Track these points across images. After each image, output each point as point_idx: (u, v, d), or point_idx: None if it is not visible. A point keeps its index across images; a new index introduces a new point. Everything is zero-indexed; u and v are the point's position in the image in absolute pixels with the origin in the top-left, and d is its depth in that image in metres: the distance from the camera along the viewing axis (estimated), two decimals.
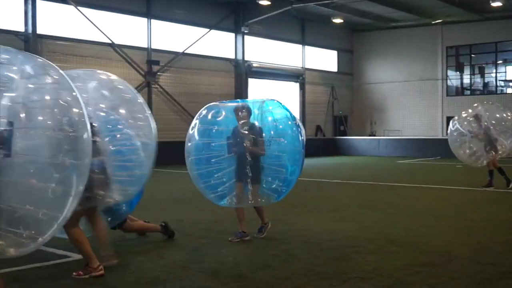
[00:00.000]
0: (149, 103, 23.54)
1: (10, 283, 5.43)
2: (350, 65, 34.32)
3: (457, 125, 13.58)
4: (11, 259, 6.30)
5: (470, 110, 13.71)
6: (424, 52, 31.62)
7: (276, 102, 7.36)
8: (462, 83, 32.17)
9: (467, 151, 13.46)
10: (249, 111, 7.09)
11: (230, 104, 7.50)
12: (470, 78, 31.88)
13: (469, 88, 31.92)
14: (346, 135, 32.02)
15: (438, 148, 27.68)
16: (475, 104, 13.94)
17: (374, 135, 32.04)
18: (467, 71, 31.87)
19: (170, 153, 22.64)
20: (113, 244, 7.15)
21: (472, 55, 31.46)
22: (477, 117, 13.23)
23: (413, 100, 31.93)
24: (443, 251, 6.67)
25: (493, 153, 12.97)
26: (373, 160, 25.51)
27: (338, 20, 28.88)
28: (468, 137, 13.35)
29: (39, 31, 19.93)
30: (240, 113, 7.07)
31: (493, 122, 13.23)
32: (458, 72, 32.10)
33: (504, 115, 13.47)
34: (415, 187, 14.36)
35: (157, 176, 17.48)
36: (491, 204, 11.11)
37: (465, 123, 13.46)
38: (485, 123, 13.11)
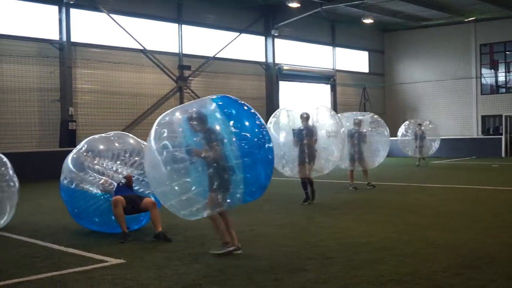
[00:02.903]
0: None
1: (50, 287, 5.55)
2: (381, 65, 34.02)
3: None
4: (50, 263, 6.43)
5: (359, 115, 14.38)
6: (457, 51, 31.15)
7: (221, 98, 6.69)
8: (497, 81, 31.56)
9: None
10: (197, 120, 6.47)
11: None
12: (505, 76, 31.25)
13: (504, 86, 31.31)
14: None
15: (473, 147, 27.24)
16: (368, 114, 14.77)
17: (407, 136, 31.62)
18: (501, 68, 31.25)
19: None
20: (147, 248, 7.23)
21: (507, 52, 30.84)
22: (358, 122, 13.70)
23: (447, 99, 31.46)
24: (483, 253, 6.54)
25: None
26: (407, 161, 25.18)
27: (368, 21, 28.63)
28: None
29: (73, 39, 20.30)
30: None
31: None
32: (492, 70, 31.51)
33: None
34: (451, 187, 14.14)
35: None
36: None
37: (347, 123, 13.76)
38: (364, 131, 13.69)
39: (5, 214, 8.81)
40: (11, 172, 8.97)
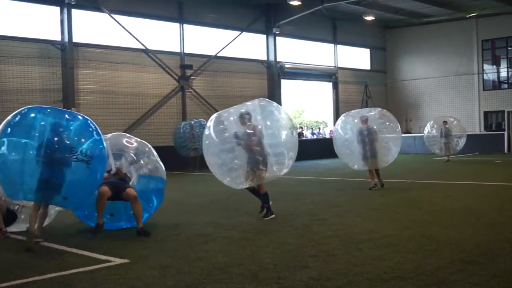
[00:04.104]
0: (183, 107, 23.77)
1: None
2: (383, 62, 33.99)
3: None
4: (54, 264, 6.45)
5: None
6: (459, 47, 31.09)
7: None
8: (499, 77, 31.51)
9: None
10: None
11: None
12: (507, 71, 31.20)
13: (506, 81, 31.25)
14: None
15: (476, 143, 27.18)
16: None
17: (410, 133, 31.64)
18: (503, 64, 31.19)
19: None
20: (151, 248, 7.26)
21: (509, 48, 30.78)
22: (365, 119, 13.13)
23: (449, 95, 31.41)
24: (485, 249, 6.55)
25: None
26: (409, 158, 25.20)
27: (369, 18, 28.62)
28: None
29: (75, 39, 20.34)
30: None
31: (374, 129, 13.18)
32: (494, 66, 31.46)
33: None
34: (453, 184, 14.13)
35: (193, 179, 17.71)
36: None
37: (356, 120, 13.32)
38: (372, 128, 13.10)
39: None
40: None
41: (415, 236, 7.39)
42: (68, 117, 7.66)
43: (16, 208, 8.73)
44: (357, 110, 14.55)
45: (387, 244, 6.96)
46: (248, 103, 9.39)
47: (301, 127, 31.66)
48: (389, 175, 15.69)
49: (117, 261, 6.55)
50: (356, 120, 13.34)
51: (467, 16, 29.45)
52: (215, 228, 8.59)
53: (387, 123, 13.55)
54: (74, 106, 19.98)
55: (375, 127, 13.19)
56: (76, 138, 7.46)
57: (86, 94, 20.78)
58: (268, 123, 9.26)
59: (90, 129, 7.68)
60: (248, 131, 9.10)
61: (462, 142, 22.70)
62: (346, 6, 27.25)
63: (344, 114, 14.14)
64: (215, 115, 9.37)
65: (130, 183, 8.64)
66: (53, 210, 8.94)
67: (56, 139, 7.31)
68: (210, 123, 9.21)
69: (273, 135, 9.22)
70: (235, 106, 9.40)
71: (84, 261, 6.59)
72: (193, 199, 12.58)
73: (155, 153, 9.15)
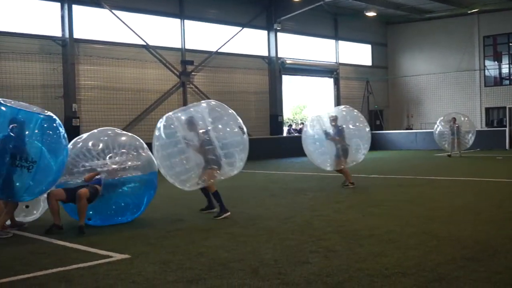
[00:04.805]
0: (184, 102, 23.76)
1: (56, 283, 5.56)
2: (384, 58, 33.95)
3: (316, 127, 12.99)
4: (55, 259, 6.46)
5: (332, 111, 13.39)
6: (461, 43, 31.05)
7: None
8: (500, 73, 31.48)
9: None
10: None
11: None
12: (509, 68, 31.16)
13: (508, 77, 31.22)
14: (382, 130, 31.71)
15: (477, 140, 27.13)
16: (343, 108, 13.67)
17: (411, 129, 31.63)
18: (505, 60, 31.17)
19: None
20: (151, 244, 7.26)
21: (511, 44, 30.73)
22: (333, 119, 12.77)
23: (450, 91, 31.39)
24: (487, 245, 6.54)
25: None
26: (411, 154, 25.19)
27: (371, 13, 28.59)
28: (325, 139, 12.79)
29: (76, 35, 20.34)
30: None
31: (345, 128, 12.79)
32: (496, 62, 31.42)
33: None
34: (455, 180, 14.12)
35: None
36: None
37: (325, 119, 12.92)
38: (340, 127, 12.72)
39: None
40: None
41: (416, 233, 7.39)
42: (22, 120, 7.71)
43: None
44: (327, 111, 14.00)
45: (388, 240, 6.95)
46: (192, 109, 9.24)
47: (302, 123, 31.65)
48: (390, 172, 15.68)
49: (118, 256, 6.55)
50: (325, 119, 12.86)
51: (469, 12, 29.41)
52: (215, 224, 8.59)
53: (354, 122, 13.02)
54: (75, 102, 19.99)
55: (342, 126, 12.76)
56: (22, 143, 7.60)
57: (87, 90, 20.78)
58: (219, 125, 9.02)
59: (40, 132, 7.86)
60: (193, 136, 8.91)
61: (471, 138, 22.61)
62: (347, 1, 27.23)
63: (313, 115, 13.74)
64: (164, 117, 9.17)
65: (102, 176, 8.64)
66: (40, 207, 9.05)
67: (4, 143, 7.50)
68: (160, 124, 9.04)
69: (222, 137, 8.94)
70: (182, 109, 9.32)
71: (85, 257, 6.60)
72: (193, 195, 12.56)
73: (145, 146, 9.16)
